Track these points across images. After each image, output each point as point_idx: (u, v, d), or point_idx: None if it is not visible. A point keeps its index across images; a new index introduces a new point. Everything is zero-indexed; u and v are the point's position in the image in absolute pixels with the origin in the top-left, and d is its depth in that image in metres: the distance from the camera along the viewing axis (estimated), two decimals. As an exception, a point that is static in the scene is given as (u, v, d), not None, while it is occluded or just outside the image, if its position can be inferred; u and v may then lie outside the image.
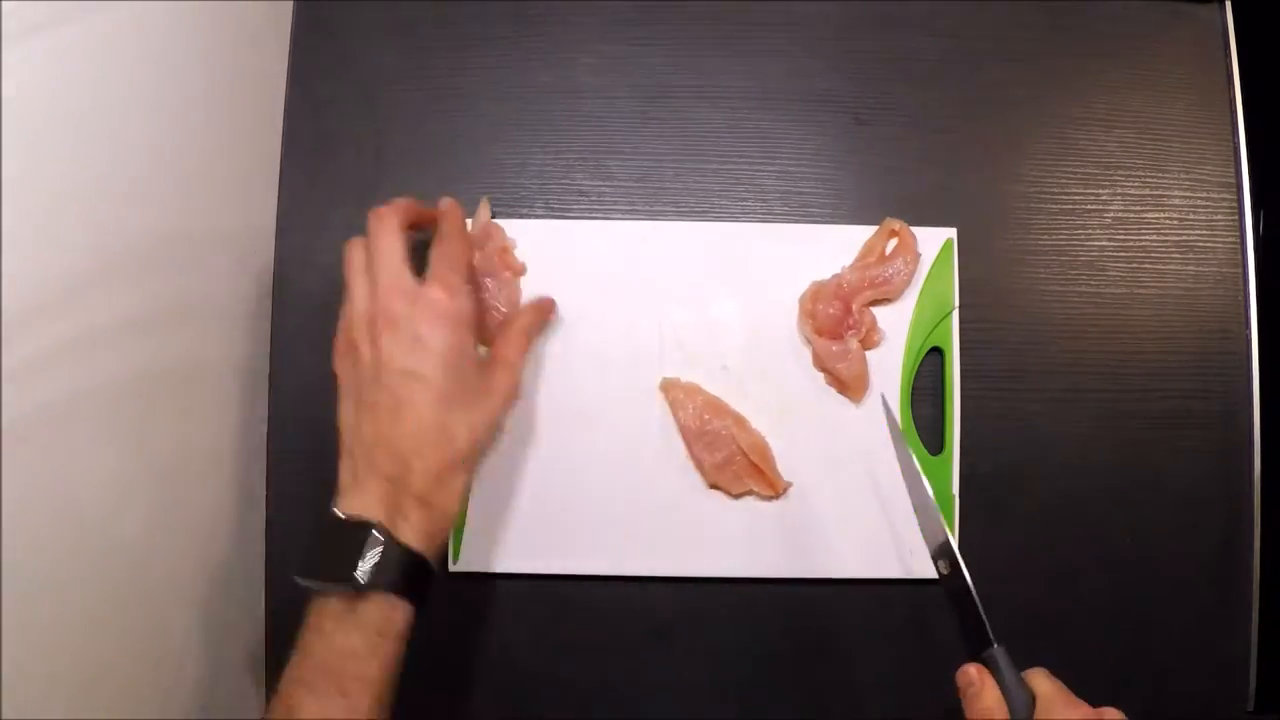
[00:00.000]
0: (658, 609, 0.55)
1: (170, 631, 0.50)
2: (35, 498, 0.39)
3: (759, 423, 0.55)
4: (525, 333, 0.51)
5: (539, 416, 0.55)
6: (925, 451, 0.55)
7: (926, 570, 0.54)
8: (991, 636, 0.44)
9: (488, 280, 0.55)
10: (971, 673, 0.42)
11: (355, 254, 0.47)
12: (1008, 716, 0.41)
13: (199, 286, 0.52)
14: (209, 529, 0.54)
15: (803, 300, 0.55)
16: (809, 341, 0.55)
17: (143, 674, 0.48)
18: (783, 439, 0.55)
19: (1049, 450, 0.56)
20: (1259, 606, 0.56)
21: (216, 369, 0.54)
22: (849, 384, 0.54)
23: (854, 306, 0.54)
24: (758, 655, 0.56)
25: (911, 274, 0.55)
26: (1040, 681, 0.42)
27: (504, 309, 0.55)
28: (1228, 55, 0.60)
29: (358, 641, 0.40)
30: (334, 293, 0.57)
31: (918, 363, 0.56)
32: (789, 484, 0.54)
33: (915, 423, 0.56)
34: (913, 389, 0.56)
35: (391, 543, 0.41)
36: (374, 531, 0.41)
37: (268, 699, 0.55)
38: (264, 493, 0.57)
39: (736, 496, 0.54)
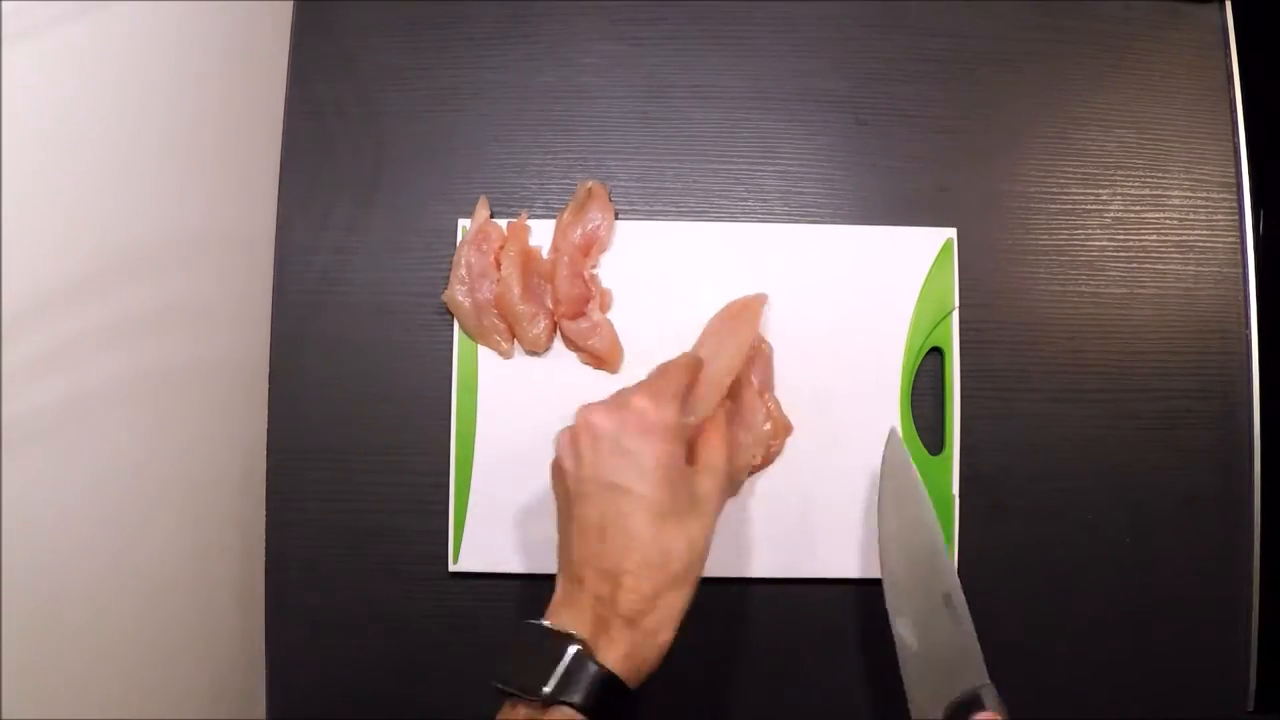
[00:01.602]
0: (658, 609, 0.55)
1: (170, 631, 0.50)
2: (34, 497, 0.39)
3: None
4: (723, 435, 0.46)
5: (539, 415, 0.55)
6: (925, 452, 0.55)
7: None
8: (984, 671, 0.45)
9: (486, 282, 0.55)
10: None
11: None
12: None
13: (199, 286, 0.53)
14: (208, 528, 0.54)
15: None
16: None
17: (142, 673, 0.48)
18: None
19: (1049, 450, 0.56)
20: (1259, 606, 0.55)
21: (216, 369, 0.54)
22: (605, 357, 0.55)
23: (585, 274, 0.55)
24: (756, 655, 0.56)
25: (613, 221, 0.56)
26: None
27: (498, 312, 0.55)
28: (1228, 55, 0.60)
29: None
30: (334, 293, 0.57)
31: (918, 363, 0.56)
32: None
33: (915, 423, 0.56)
34: (913, 389, 0.56)
35: (586, 659, 0.39)
36: (571, 646, 0.39)
37: (267, 698, 0.56)
38: (264, 492, 0.57)
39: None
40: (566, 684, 0.38)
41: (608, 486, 0.41)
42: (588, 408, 0.44)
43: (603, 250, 0.56)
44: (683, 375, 0.47)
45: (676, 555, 0.41)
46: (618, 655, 0.39)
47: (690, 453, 0.45)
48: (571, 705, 0.38)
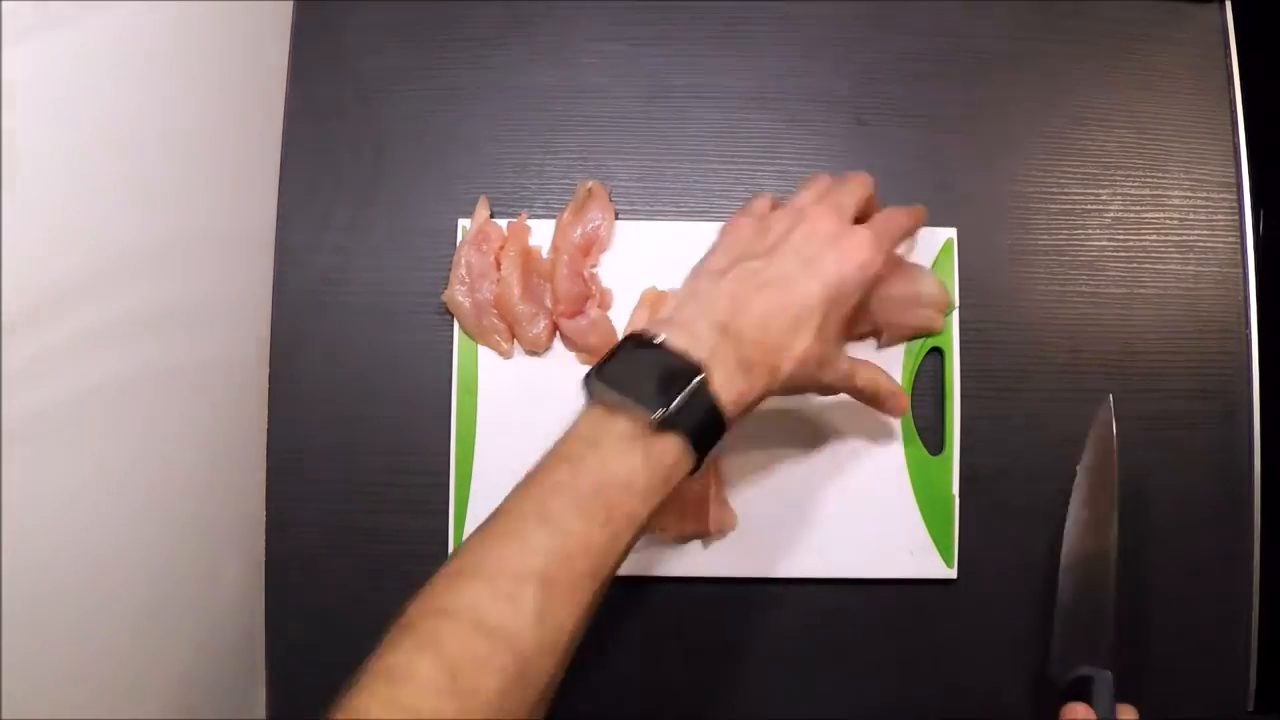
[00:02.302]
0: (657, 608, 0.55)
1: (170, 630, 0.50)
2: (35, 497, 0.39)
3: (759, 421, 0.55)
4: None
5: (539, 415, 0.55)
6: (925, 452, 0.55)
7: (926, 570, 0.55)
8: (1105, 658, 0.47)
9: (486, 282, 0.55)
10: (1079, 711, 0.44)
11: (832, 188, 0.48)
12: None
13: (199, 286, 0.52)
14: (208, 528, 0.54)
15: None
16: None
17: (142, 673, 0.48)
18: (783, 439, 0.55)
19: (1049, 450, 0.56)
20: (1259, 606, 0.55)
21: (216, 369, 0.54)
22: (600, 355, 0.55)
23: (584, 273, 0.55)
24: (757, 655, 0.56)
25: (613, 221, 0.56)
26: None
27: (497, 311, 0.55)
28: (1228, 55, 0.60)
29: (641, 477, 0.37)
30: (334, 293, 0.57)
31: (918, 363, 0.56)
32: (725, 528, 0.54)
33: (915, 423, 0.56)
34: (913, 389, 0.56)
35: (706, 391, 0.38)
36: (699, 374, 0.38)
37: (267, 698, 0.56)
38: (264, 492, 0.57)
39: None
40: (686, 411, 0.38)
41: (789, 269, 0.43)
42: (830, 208, 0.45)
43: (603, 250, 0.56)
44: (903, 232, 0.49)
45: (805, 347, 0.42)
46: (728, 391, 0.39)
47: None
48: (685, 435, 0.38)
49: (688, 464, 0.39)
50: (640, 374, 0.38)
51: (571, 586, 0.36)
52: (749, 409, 0.41)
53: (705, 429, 0.38)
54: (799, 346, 0.42)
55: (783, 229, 0.45)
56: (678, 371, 0.38)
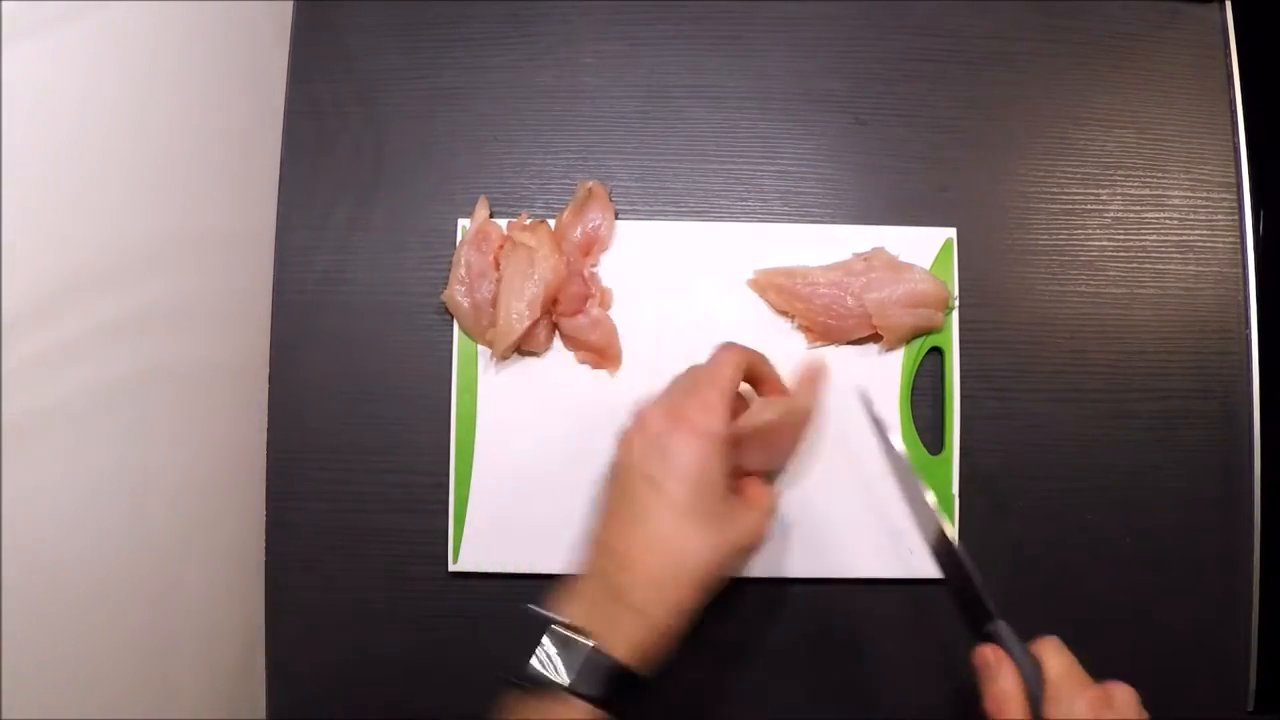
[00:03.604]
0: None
1: (169, 631, 0.50)
2: (34, 497, 0.39)
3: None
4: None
5: (538, 415, 0.55)
6: (925, 451, 0.55)
7: (926, 570, 0.54)
8: (992, 610, 0.44)
9: (486, 282, 0.55)
10: (988, 654, 0.42)
11: None
12: (1023, 698, 0.40)
13: (199, 286, 0.52)
14: (208, 529, 0.54)
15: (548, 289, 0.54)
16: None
17: (143, 673, 0.48)
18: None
19: (1049, 450, 0.56)
20: (1259, 606, 0.55)
21: (216, 369, 0.54)
22: (604, 353, 0.55)
23: (584, 273, 0.55)
24: (757, 654, 0.56)
25: (613, 221, 0.56)
26: (1050, 656, 0.42)
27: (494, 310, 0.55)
28: (1228, 55, 0.60)
29: None
30: (334, 293, 0.57)
31: (918, 363, 0.56)
32: None
33: (915, 423, 0.56)
34: (913, 389, 0.56)
35: (598, 653, 0.40)
36: (583, 639, 0.40)
37: (267, 698, 0.56)
38: (263, 492, 0.57)
39: None
40: (583, 677, 0.40)
41: (642, 478, 0.43)
42: (644, 405, 0.45)
43: (603, 250, 0.56)
44: (736, 377, 0.46)
45: (690, 555, 0.42)
46: (626, 644, 0.40)
47: (737, 473, 0.48)
48: (589, 699, 0.39)
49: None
50: (542, 656, 0.41)
51: None
52: (659, 650, 0.42)
53: (615, 686, 0.40)
54: (690, 566, 0.42)
55: (623, 450, 0.45)
56: (569, 643, 0.40)
